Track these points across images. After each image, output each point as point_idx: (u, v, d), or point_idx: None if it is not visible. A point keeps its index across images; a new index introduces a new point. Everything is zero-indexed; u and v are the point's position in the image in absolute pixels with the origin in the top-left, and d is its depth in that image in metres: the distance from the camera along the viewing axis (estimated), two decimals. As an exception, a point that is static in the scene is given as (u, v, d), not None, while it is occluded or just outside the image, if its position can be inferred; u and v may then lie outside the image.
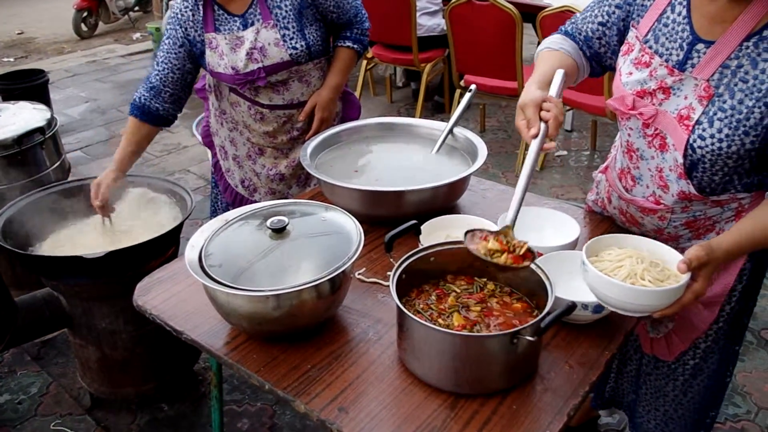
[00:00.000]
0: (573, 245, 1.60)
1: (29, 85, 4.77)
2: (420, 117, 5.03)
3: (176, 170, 4.59)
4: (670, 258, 1.38)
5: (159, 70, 2.20)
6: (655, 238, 1.68)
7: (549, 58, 1.64)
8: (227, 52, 2.12)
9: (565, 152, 4.77)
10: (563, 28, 1.75)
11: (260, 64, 2.11)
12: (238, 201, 2.51)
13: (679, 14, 1.46)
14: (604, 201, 1.86)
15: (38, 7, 9.81)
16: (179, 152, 4.89)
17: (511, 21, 4.05)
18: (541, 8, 4.45)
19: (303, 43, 2.12)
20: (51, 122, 2.91)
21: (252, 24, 2.10)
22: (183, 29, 2.16)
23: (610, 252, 1.41)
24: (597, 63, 1.73)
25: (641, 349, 1.92)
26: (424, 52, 4.97)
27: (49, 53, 7.78)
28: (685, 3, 1.46)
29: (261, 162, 2.38)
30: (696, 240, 1.63)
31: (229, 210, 2.56)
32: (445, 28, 4.60)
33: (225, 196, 2.57)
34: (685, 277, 1.30)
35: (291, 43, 2.09)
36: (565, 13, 3.83)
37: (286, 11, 2.09)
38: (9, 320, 2.18)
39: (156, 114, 2.22)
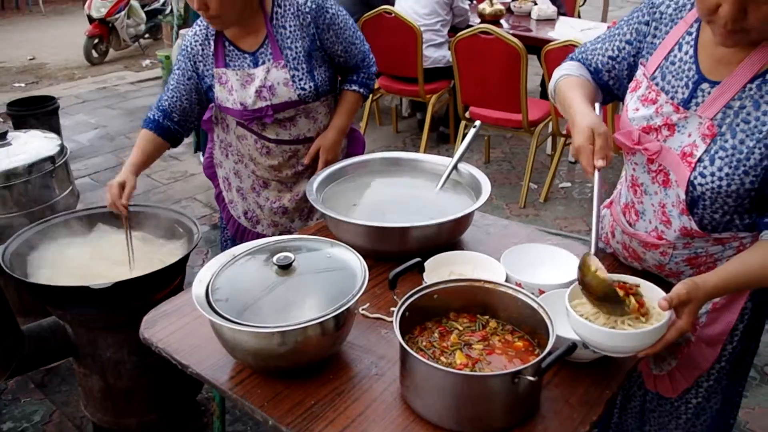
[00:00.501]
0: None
1: (40, 112, 4.84)
2: (425, 147, 5.09)
3: (183, 198, 4.63)
4: (653, 296, 1.39)
5: (169, 97, 2.26)
6: (657, 274, 1.71)
7: (577, 85, 1.67)
8: (237, 88, 2.16)
9: (568, 184, 4.79)
10: (574, 56, 1.79)
11: (268, 102, 2.15)
12: (240, 232, 2.54)
13: (686, 53, 1.50)
14: (608, 235, 1.88)
15: (50, 34, 9.96)
16: (186, 180, 4.93)
17: (516, 55, 4.10)
18: (546, 41, 4.52)
19: (312, 84, 2.16)
20: (62, 151, 2.95)
21: (263, 62, 2.14)
22: (192, 62, 2.22)
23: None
24: (606, 92, 1.77)
25: (644, 385, 1.92)
26: (430, 83, 5.02)
27: (60, 79, 7.89)
28: (692, 43, 1.50)
29: (265, 195, 2.41)
30: (697, 277, 1.65)
31: (233, 240, 2.61)
32: (450, 59, 4.66)
33: (228, 228, 2.60)
34: (667, 316, 1.32)
35: (300, 84, 2.14)
36: (569, 47, 3.88)
37: (296, 53, 2.14)
38: (16, 349, 2.20)
39: (168, 130, 2.28)
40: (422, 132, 5.16)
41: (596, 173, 1.45)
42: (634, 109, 1.59)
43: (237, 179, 2.47)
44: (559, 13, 5.59)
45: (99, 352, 2.33)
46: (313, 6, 2.13)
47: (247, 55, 2.16)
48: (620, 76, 1.71)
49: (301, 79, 2.14)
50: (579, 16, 6.79)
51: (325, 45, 2.19)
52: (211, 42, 2.18)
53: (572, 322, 1.36)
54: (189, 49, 2.22)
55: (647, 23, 1.61)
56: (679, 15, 1.54)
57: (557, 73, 1.77)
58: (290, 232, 2.46)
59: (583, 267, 1.40)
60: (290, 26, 2.14)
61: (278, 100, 2.15)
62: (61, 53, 8.84)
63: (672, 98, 1.51)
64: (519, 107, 4.30)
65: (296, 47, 2.14)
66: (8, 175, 2.74)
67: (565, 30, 5.16)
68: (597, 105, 1.62)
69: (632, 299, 1.35)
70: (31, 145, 2.91)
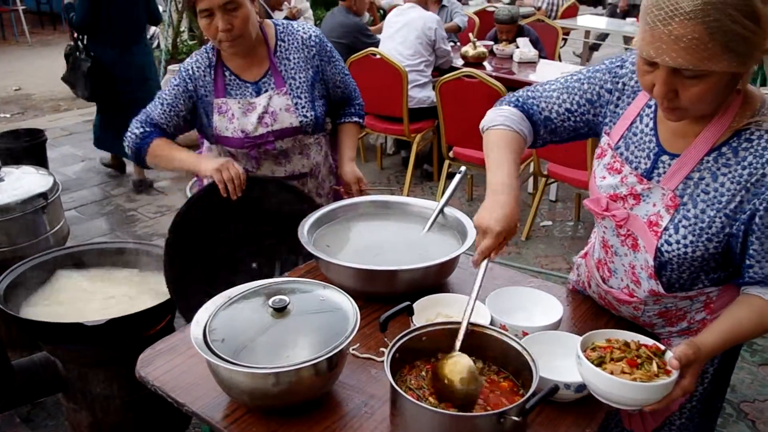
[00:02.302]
0: (556, 325, 1.69)
1: (28, 145, 4.89)
2: (409, 185, 5.18)
3: (169, 232, 4.65)
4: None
5: (162, 111, 2.26)
6: (632, 324, 1.78)
7: (510, 146, 1.68)
8: (238, 116, 2.23)
9: (549, 222, 4.90)
10: (520, 100, 1.76)
11: (270, 128, 2.24)
12: None
13: (647, 126, 1.58)
14: (584, 283, 1.96)
15: (36, 64, 9.99)
16: (172, 214, 4.92)
17: (498, 97, 4.21)
18: (528, 83, 4.64)
19: (312, 113, 2.27)
20: (53, 188, 3.00)
21: (265, 91, 2.24)
22: (193, 83, 2.26)
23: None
24: (544, 138, 1.78)
25: (621, 423, 1.98)
26: (415, 123, 5.14)
27: (46, 110, 7.91)
28: (652, 116, 1.58)
29: None
30: (669, 327, 1.73)
31: None
32: (434, 99, 4.79)
33: None
34: (675, 373, 1.37)
35: (302, 111, 2.24)
36: (550, 92, 4.00)
37: (300, 82, 2.26)
38: (5, 383, 2.23)
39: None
40: (407, 169, 5.26)
41: (485, 262, 1.54)
42: (601, 177, 1.66)
43: None
44: (540, 57, 5.76)
45: (89, 388, 2.36)
46: (317, 40, 2.30)
47: (249, 85, 2.26)
48: (572, 127, 1.74)
49: (303, 107, 2.25)
50: (559, 59, 6.99)
51: (326, 76, 2.33)
52: (212, 72, 2.25)
53: (585, 371, 1.40)
54: (190, 71, 2.26)
55: (610, 91, 1.66)
56: (640, 87, 1.60)
57: (496, 115, 1.75)
58: None
59: (438, 371, 1.42)
60: (294, 58, 2.27)
61: (279, 126, 2.24)
62: (47, 84, 8.85)
63: (636, 168, 1.58)
64: (501, 148, 4.41)
65: (300, 77, 2.26)
66: (1, 210, 2.79)
67: (545, 73, 5.31)
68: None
69: (655, 362, 1.39)
70: (24, 181, 2.96)
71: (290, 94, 2.23)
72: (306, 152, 2.35)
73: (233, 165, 2.11)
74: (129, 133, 2.27)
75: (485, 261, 1.54)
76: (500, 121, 1.73)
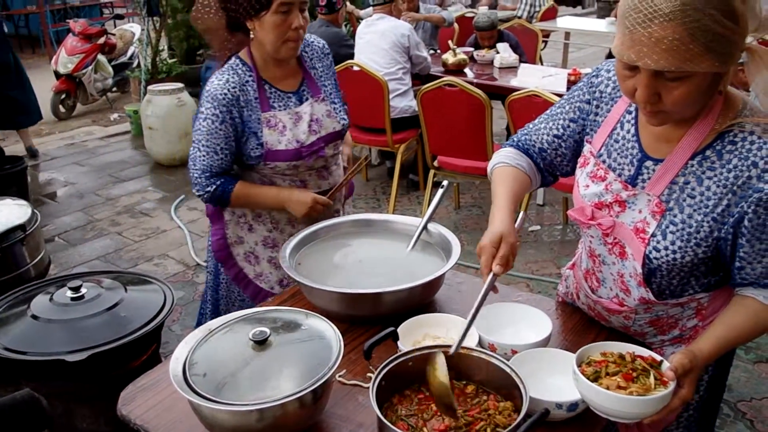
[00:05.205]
0: (546, 341, 1.66)
1: (7, 173, 4.83)
2: (396, 195, 5.15)
3: (155, 255, 4.60)
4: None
5: (221, 158, 2.18)
6: (623, 335, 1.76)
7: (508, 178, 1.71)
8: (290, 127, 2.20)
9: (538, 227, 4.88)
10: (515, 140, 1.81)
11: (318, 135, 2.25)
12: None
13: (628, 132, 1.56)
14: (573, 295, 1.93)
15: (16, 90, 9.90)
16: (158, 237, 4.90)
17: (480, 105, 4.21)
18: (509, 89, 4.65)
19: (345, 116, 2.34)
20: (32, 219, 2.95)
21: (306, 99, 2.26)
22: (237, 108, 2.15)
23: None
24: (550, 173, 1.81)
25: (619, 433, 1.96)
26: (398, 133, 5.12)
27: (27, 135, 7.81)
28: (633, 121, 1.55)
29: None
30: (661, 336, 1.70)
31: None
32: (416, 108, 4.77)
33: (257, 304, 2.35)
34: (673, 384, 1.35)
35: (340, 115, 2.32)
36: (532, 97, 4.00)
37: (330, 88, 2.34)
38: (-12, 425, 2.17)
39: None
40: (392, 180, 5.23)
41: (489, 275, 1.48)
42: (585, 185, 1.63)
43: (268, 249, 2.39)
44: (521, 61, 5.75)
45: (75, 423, 2.31)
46: (327, 50, 2.40)
47: (291, 95, 2.25)
48: (566, 153, 1.74)
49: (339, 111, 2.32)
50: (541, 60, 6.99)
51: (336, 82, 2.40)
52: (251, 88, 2.17)
53: (582, 387, 1.38)
54: (229, 96, 2.13)
55: (588, 102, 1.66)
56: (618, 94, 1.59)
57: (496, 158, 1.80)
58: None
59: (429, 365, 1.42)
60: (319, 66, 2.34)
61: (325, 132, 2.26)
62: (28, 109, 8.78)
63: (619, 175, 1.56)
64: (485, 155, 4.39)
65: (329, 84, 2.34)
66: (-22, 244, 2.74)
67: (527, 77, 5.31)
68: (521, 215, 1.69)
69: (652, 375, 1.37)
70: (1, 214, 2.91)
71: (327, 99, 2.29)
72: (338, 162, 2.42)
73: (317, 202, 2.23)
74: (202, 192, 2.22)
75: (488, 277, 1.48)
76: (498, 160, 1.78)
